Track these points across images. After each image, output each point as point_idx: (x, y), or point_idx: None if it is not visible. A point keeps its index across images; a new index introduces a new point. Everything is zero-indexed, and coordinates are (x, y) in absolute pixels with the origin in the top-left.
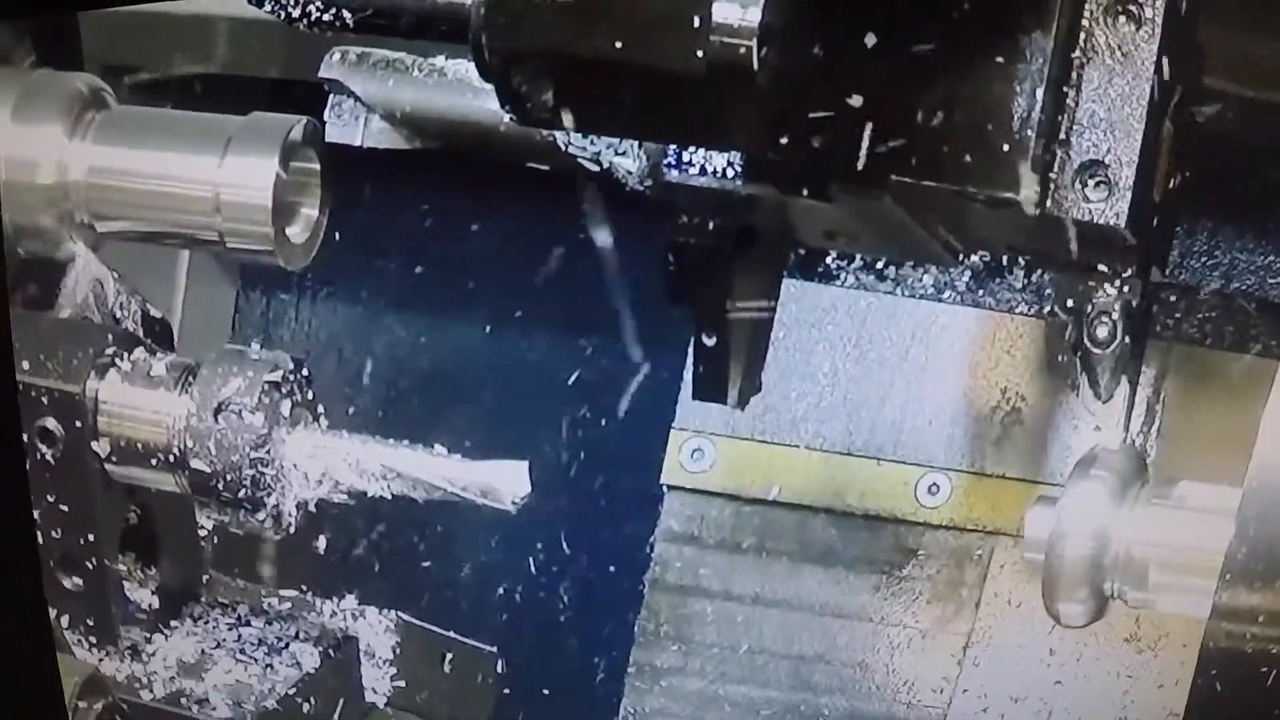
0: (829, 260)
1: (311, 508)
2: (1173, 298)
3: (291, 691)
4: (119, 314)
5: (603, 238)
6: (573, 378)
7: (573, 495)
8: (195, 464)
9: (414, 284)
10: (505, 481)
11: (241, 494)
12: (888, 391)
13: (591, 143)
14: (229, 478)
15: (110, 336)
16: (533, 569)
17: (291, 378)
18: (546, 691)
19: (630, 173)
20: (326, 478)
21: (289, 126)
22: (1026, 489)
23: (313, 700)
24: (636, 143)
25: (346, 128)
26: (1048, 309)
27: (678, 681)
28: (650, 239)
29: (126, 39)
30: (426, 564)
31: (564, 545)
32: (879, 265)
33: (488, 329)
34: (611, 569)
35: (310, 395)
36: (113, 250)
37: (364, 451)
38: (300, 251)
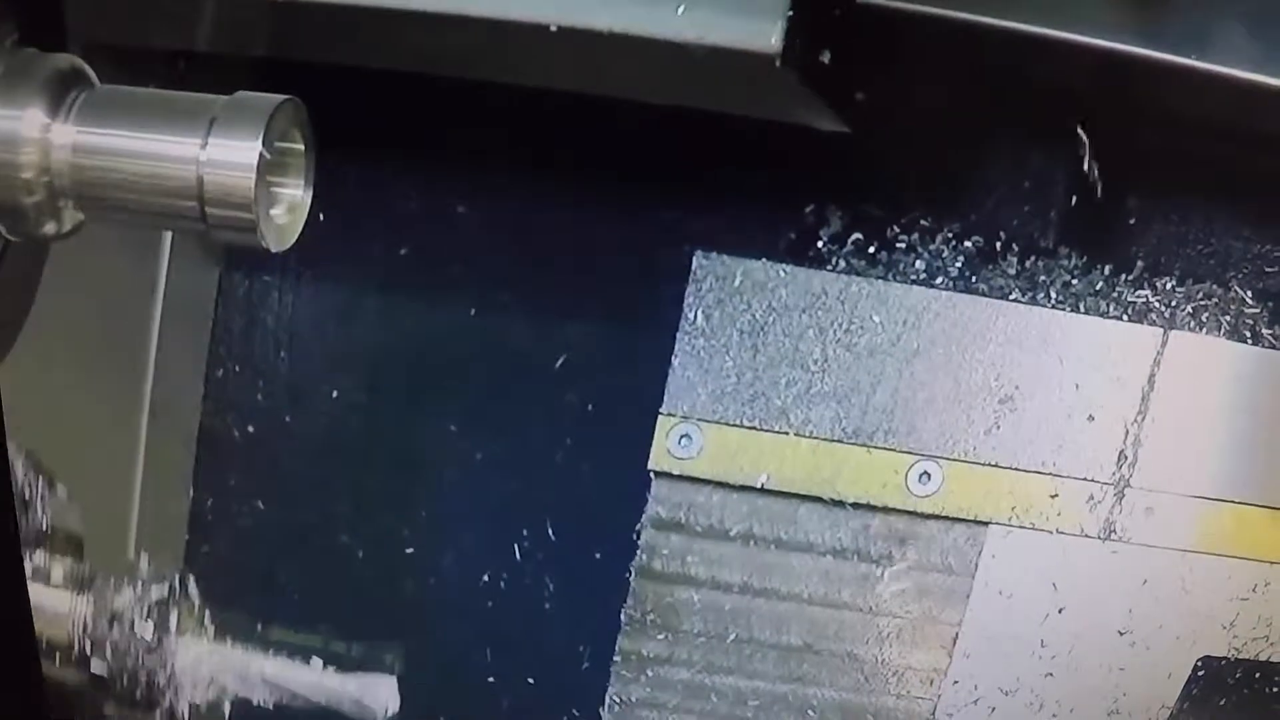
0: (820, 245)
1: (203, 710)
2: (1169, 284)
3: None
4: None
5: (590, 220)
6: (559, 362)
7: (558, 481)
8: (94, 666)
9: (399, 266)
10: (375, 697)
11: (138, 695)
12: (878, 378)
13: None
14: (125, 680)
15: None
16: (518, 556)
17: (178, 589)
18: (531, 680)
19: None
20: (214, 684)
21: (273, 106)
22: (1018, 478)
23: None
24: None
25: None
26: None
27: (664, 670)
28: (636, 220)
29: (111, 17)
30: (410, 550)
31: (550, 532)
32: (870, 250)
33: (473, 312)
34: (597, 556)
35: (196, 607)
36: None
37: (246, 662)
38: (284, 233)
